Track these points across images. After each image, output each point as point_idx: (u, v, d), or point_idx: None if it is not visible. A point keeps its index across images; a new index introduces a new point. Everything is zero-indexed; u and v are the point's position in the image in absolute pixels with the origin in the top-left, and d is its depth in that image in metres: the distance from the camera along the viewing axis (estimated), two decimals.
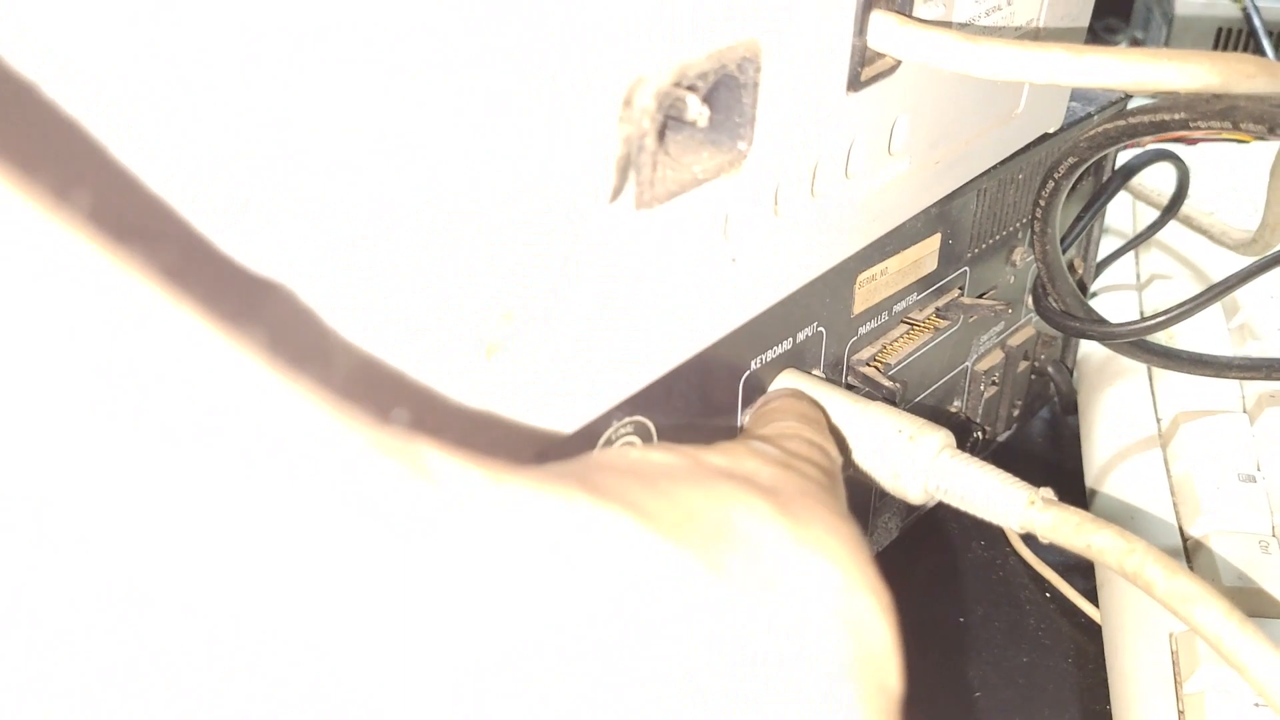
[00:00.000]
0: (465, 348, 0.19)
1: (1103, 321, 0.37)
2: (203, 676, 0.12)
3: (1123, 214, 0.52)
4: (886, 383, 0.32)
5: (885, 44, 0.25)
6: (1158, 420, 0.41)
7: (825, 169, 0.26)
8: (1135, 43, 0.74)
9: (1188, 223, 0.46)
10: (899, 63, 0.27)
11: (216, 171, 0.16)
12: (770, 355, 0.29)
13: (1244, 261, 0.38)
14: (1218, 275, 0.42)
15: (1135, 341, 0.37)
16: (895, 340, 0.34)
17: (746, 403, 0.29)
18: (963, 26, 0.29)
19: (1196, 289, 0.40)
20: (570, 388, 0.22)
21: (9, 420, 0.11)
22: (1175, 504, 0.37)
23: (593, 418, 0.23)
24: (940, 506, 0.28)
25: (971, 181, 0.34)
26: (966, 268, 0.36)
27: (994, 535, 0.40)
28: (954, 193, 0.33)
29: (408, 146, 0.17)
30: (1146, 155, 0.40)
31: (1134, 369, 0.43)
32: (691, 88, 0.21)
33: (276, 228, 0.16)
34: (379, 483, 0.13)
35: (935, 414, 0.37)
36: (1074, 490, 0.41)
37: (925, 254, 0.34)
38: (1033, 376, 0.43)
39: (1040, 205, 0.34)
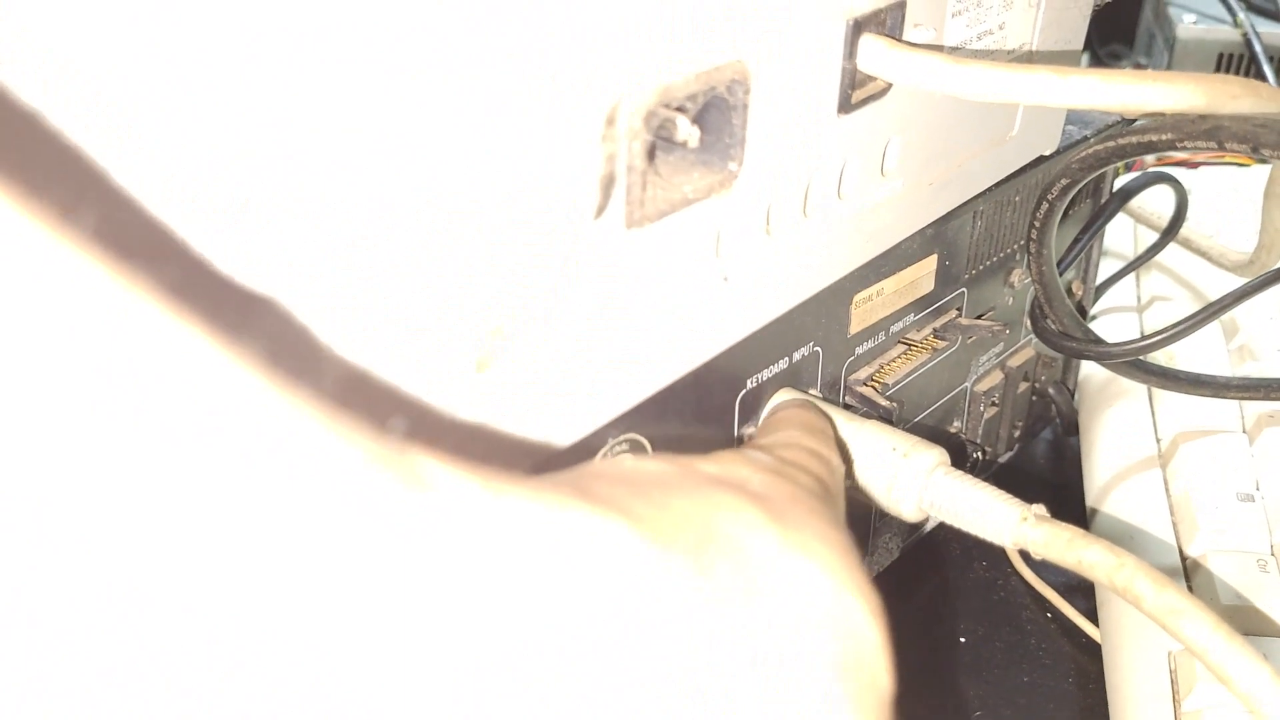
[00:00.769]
0: (457, 361, 0.19)
1: (1100, 342, 0.37)
2: (202, 677, 0.12)
3: (1123, 237, 0.52)
4: (883, 402, 0.32)
5: (875, 67, 0.26)
6: (1157, 440, 0.41)
7: (817, 189, 0.27)
8: (1138, 67, 0.75)
9: (1187, 245, 0.46)
10: (890, 85, 0.27)
11: (215, 173, 0.16)
12: (766, 374, 0.29)
13: (1243, 283, 0.39)
14: (1217, 296, 0.42)
15: (1134, 362, 0.37)
16: (893, 360, 0.34)
17: (743, 421, 0.29)
18: (954, 50, 0.29)
19: (1196, 310, 0.40)
20: (563, 403, 0.22)
21: (12, 427, 0.12)
22: (1174, 523, 0.37)
23: (586, 434, 0.23)
24: (942, 527, 0.28)
25: (967, 203, 0.34)
26: (964, 289, 0.36)
27: (995, 555, 0.40)
28: (949, 214, 0.33)
29: (401, 159, 0.18)
30: (1144, 178, 0.40)
31: (1134, 390, 0.43)
32: (681, 109, 0.21)
33: (272, 234, 0.17)
34: (373, 491, 0.14)
35: (934, 434, 0.37)
36: (1075, 510, 0.41)
37: (922, 275, 0.34)
38: (1033, 397, 0.43)
39: (1035, 227, 0.34)
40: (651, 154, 0.22)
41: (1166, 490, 0.38)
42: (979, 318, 0.38)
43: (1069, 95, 0.25)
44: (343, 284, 0.18)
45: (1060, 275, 0.37)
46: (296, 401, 0.13)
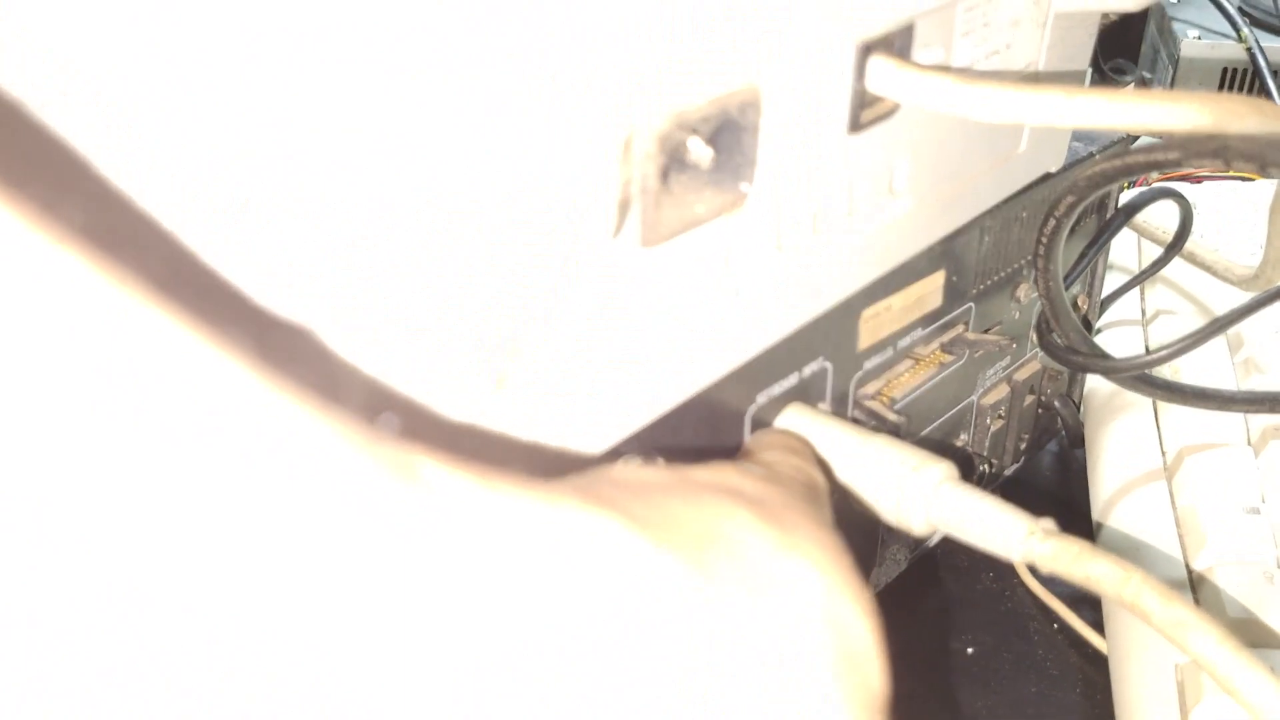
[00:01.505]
0: (475, 377, 0.20)
1: (1106, 356, 0.37)
2: (202, 676, 0.13)
3: (1128, 251, 0.52)
4: (891, 417, 0.33)
5: (884, 88, 0.26)
6: (1163, 453, 0.41)
7: (827, 207, 0.27)
8: (1143, 83, 0.75)
9: (1192, 259, 0.46)
10: (899, 104, 0.27)
11: (216, 172, 0.17)
12: (776, 390, 0.29)
13: (1248, 298, 0.39)
14: (1222, 311, 0.42)
15: (1140, 376, 0.37)
16: (901, 375, 0.35)
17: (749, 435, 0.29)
18: (962, 70, 0.30)
19: (1201, 324, 0.40)
20: (579, 419, 0.23)
21: (12, 428, 0.12)
22: (1180, 536, 0.37)
23: (600, 451, 0.24)
24: (949, 539, 0.29)
25: (974, 220, 0.35)
26: (971, 304, 0.37)
27: (1003, 568, 0.40)
28: (957, 231, 0.34)
29: (419, 179, 0.18)
30: (1149, 193, 0.41)
31: (1139, 403, 0.43)
32: (694, 130, 0.22)
33: (279, 232, 0.17)
34: (372, 487, 0.14)
35: (941, 448, 0.38)
36: (1081, 523, 0.41)
37: (929, 290, 0.34)
38: (1039, 410, 0.43)
39: (1042, 243, 0.35)
40: (665, 174, 0.22)
41: (1173, 503, 0.39)
42: (986, 332, 0.38)
43: (1076, 116, 0.25)
44: (357, 283, 0.18)
45: (1066, 289, 0.37)
46: (294, 399, 0.14)
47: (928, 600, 0.39)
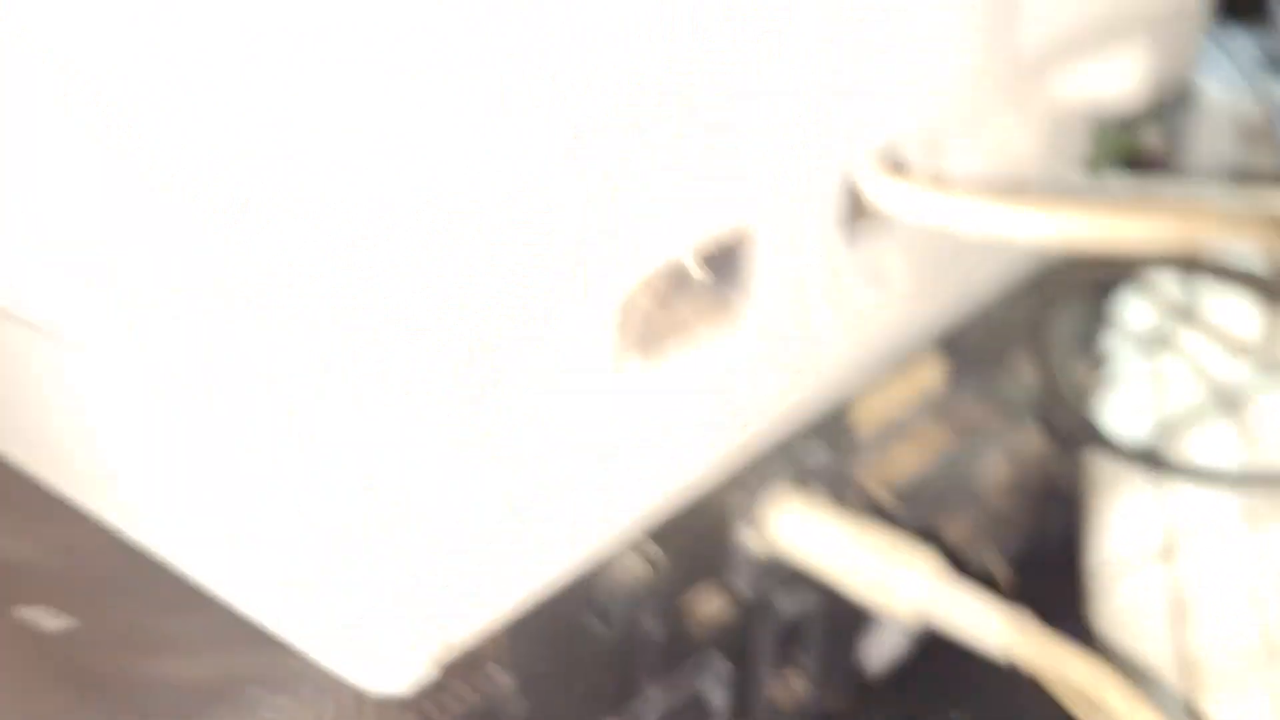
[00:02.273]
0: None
1: (1105, 436, 0.38)
2: None
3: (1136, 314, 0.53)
4: (888, 502, 0.34)
5: (878, 202, 0.27)
6: (1161, 531, 0.42)
7: (822, 313, 0.28)
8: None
9: (1203, 328, 0.47)
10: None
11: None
12: (774, 477, 0.31)
13: (1254, 371, 0.40)
14: (1229, 381, 0.43)
15: (1142, 455, 0.38)
16: (898, 458, 0.36)
17: (744, 526, 0.30)
18: (954, 182, 0.31)
19: (1205, 396, 0.41)
20: (582, 522, 0.24)
21: None
22: (1172, 619, 0.38)
23: (606, 547, 0.25)
24: None
25: (972, 308, 0.36)
26: (971, 387, 0.38)
27: None
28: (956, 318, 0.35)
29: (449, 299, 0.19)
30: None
31: (1138, 479, 0.44)
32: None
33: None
34: None
35: (937, 533, 0.39)
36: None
37: (929, 374, 0.35)
38: (1040, 490, 0.44)
39: (1040, 329, 0.36)
40: (664, 296, 0.23)
41: (1168, 584, 0.39)
42: (985, 413, 0.39)
43: (1058, 231, 0.26)
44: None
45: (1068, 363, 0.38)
46: None
47: (915, 677, 0.40)
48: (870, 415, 0.34)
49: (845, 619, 0.27)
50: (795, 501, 0.31)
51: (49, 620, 0.25)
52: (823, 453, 0.32)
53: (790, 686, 0.34)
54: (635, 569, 0.27)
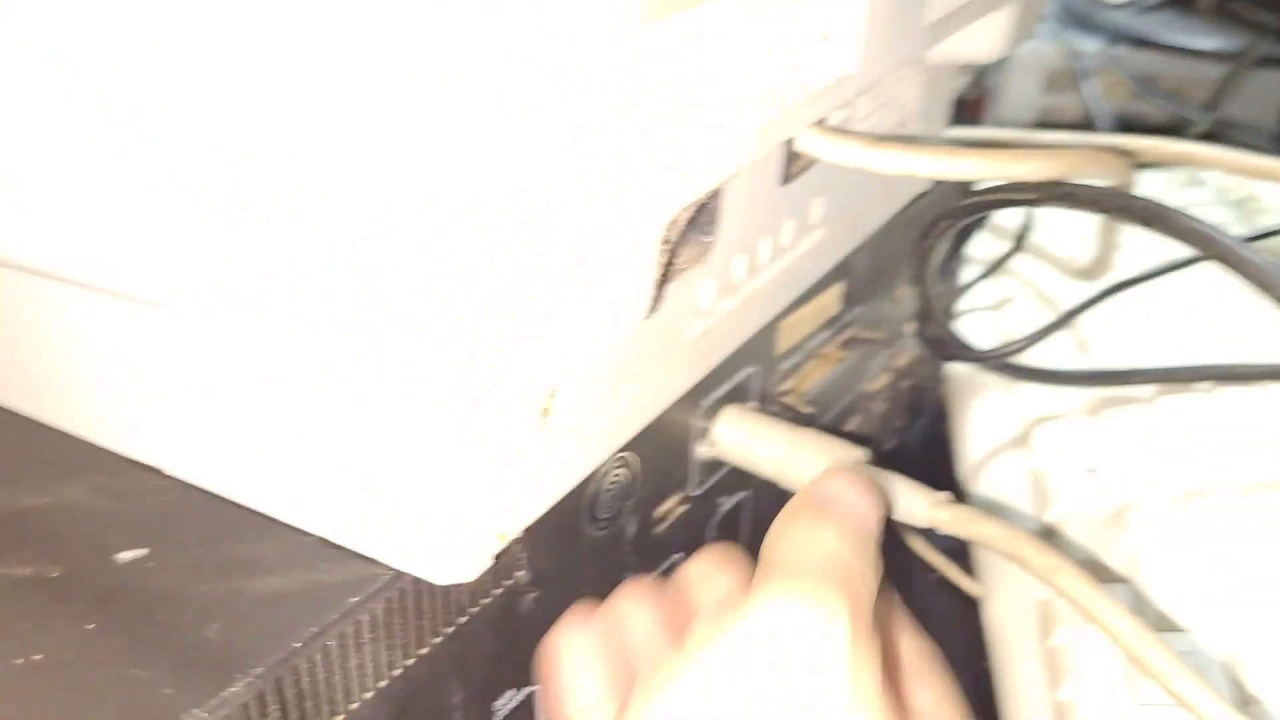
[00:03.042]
0: (527, 410, 0.25)
1: (972, 348, 0.45)
2: None
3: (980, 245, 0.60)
4: (804, 409, 0.39)
5: (811, 150, 0.32)
6: (1017, 425, 0.48)
7: (765, 246, 0.33)
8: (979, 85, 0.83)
9: (1035, 253, 0.54)
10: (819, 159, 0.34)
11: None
12: (716, 394, 0.35)
13: (1081, 285, 0.47)
14: (1061, 298, 0.50)
15: (999, 363, 0.45)
16: (808, 373, 0.41)
17: (696, 436, 0.35)
18: (864, 133, 0.36)
19: (1042, 310, 0.48)
20: (596, 437, 0.28)
21: None
22: (1033, 496, 0.45)
23: (608, 455, 0.30)
24: None
25: (867, 239, 0.41)
26: (861, 307, 0.43)
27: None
28: (854, 249, 0.40)
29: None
30: None
31: (994, 381, 0.51)
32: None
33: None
34: None
35: (839, 433, 0.44)
36: (946, 488, 0.48)
37: (832, 299, 0.41)
38: (912, 393, 0.50)
39: (919, 256, 0.42)
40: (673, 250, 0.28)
41: (1025, 468, 0.46)
42: (873, 330, 0.45)
43: (960, 170, 0.32)
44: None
45: (938, 289, 0.44)
46: None
47: None
48: (788, 338, 0.39)
49: (772, 509, 0.31)
50: (734, 413, 0.36)
51: (125, 555, 0.27)
52: (753, 371, 0.37)
53: None
54: (619, 476, 0.31)
